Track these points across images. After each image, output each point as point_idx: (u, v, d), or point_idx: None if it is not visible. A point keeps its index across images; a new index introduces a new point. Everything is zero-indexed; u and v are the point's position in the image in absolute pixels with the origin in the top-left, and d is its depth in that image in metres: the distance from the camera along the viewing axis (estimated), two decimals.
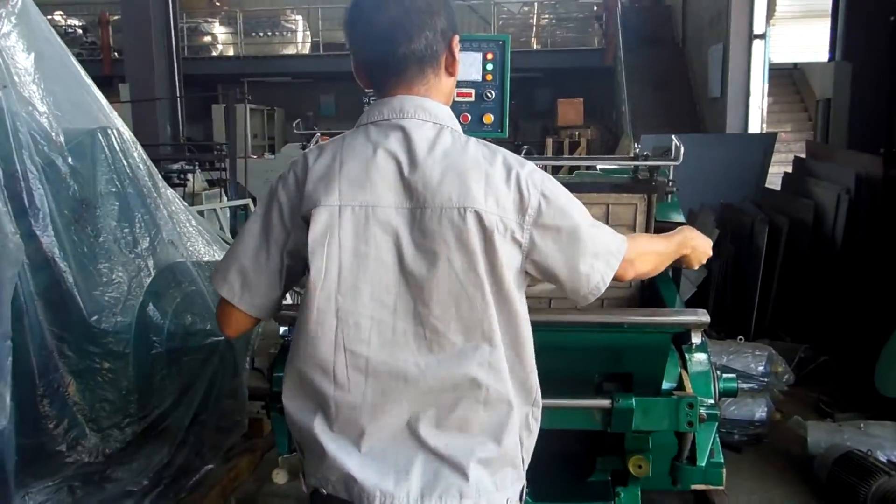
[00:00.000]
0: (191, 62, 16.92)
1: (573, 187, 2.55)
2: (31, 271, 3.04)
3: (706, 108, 12.34)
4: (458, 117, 2.31)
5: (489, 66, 2.40)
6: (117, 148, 3.62)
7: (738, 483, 3.50)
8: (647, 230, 2.72)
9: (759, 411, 3.91)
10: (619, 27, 14.12)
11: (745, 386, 4.04)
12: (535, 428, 1.57)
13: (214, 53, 17.64)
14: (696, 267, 1.88)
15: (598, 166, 2.93)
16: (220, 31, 17.85)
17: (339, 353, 1.44)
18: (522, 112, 17.77)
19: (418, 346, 1.43)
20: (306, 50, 18.03)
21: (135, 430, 3.33)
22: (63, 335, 3.14)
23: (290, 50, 17.67)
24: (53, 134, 3.30)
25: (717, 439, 2.76)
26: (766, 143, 6.95)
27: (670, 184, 2.66)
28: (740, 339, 4.42)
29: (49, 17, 18.54)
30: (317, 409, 1.47)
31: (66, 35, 18.27)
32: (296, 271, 1.54)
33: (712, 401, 2.15)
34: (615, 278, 1.57)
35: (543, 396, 1.53)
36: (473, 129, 2.44)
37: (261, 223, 1.52)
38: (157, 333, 3.41)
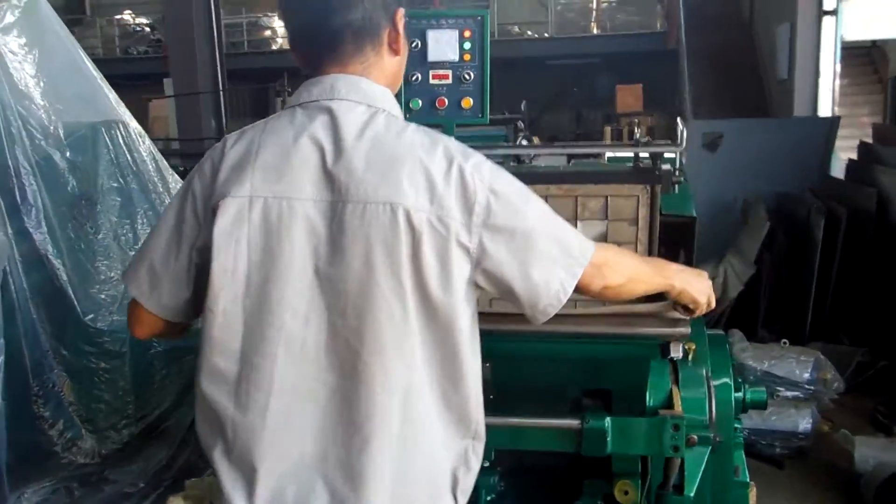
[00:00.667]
0: (251, 56, 17.17)
1: (568, 177, 2.37)
2: (24, 269, 3.00)
3: (774, 91, 11.70)
4: (434, 102, 2.18)
5: (467, 45, 2.18)
6: (121, 142, 3.55)
7: (776, 502, 3.20)
8: (651, 224, 2.44)
9: (804, 422, 3.57)
10: (682, 7, 13.52)
11: (788, 394, 3.71)
12: (476, 465, 1.36)
13: (274, 47, 17.79)
14: (693, 313, 1.66)
15: (608, 154, 2.67)
16: (279, 24, 17.99)
17: (243, 365, 1.27)
18: (584, 100, 17.33)
19: (330, 365, 1.24)
20: None
21: (132, 431, 3.27)
22: (58, 334, 3.09)
23: None
24: (52, 128, 3.25)
25: (743, 456, 2.49)
26: (827, 127, 6.43)
27: (677, 173, 2.38)
28: (784, 343, 4.06)
29: (119, 16, 19.19)
30: (217, 433, 1.29)
31: (135, 33, 18.81)
32: (206, 270, 1.35)
33: (706, 421, 1.88)
34: (580, 289, 1.36)
35: (517, 412, 1.31)
36: (451, 114, 2.23)
37: (174, 216, 1.35)
38: None
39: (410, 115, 2.23)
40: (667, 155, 2.43)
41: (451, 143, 1.30)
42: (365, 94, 1.29)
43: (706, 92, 12.32)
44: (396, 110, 1.33)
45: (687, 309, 1.66)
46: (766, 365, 3.79)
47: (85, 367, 3.12)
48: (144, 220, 3.47)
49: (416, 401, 1.24)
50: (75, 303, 3.10)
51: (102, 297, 3.20)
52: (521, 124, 4.58)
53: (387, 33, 1.34)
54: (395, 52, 1.37)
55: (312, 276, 1.23)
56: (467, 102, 2.21)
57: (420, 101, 2.21)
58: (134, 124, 3.78)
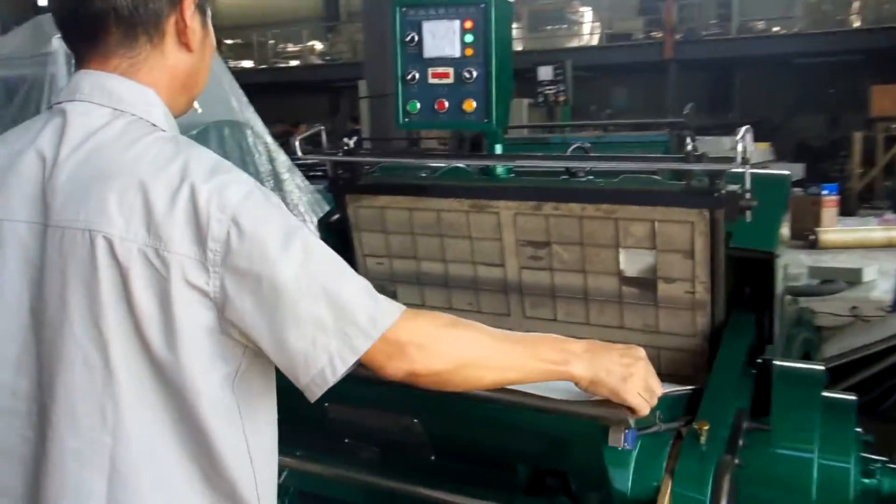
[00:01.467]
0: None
1: (607, 195, 1.94)
2: None
3: None
4: (433, 104, 1.89)
5: (468, 38, 1.86)
6: (234, 143, 3.63)
7: None
8: (713, 260, 1.93)
9: None
10: None
11: None
12: None
13: None
14: (635, 412, 1.23)
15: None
16: None
17: None
18: (840, 103, 15.38)
19: (30, 422, 1.04)
20: (594, 41, 17.49)
21: None
22: None
23: (574, 43, 17.26)
24: None
25: None
26: None
27: (748, 196, 1.85)
28: None
29: None
30: None
31: None
32: None
33: None
34: (375, 369, 1.05)
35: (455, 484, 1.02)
36: (453, 118, 1.93)
37: None
38: None
39: (409, 119, 1.96)
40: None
41: (202, 158, 1.03)
42: (111, 96, 1.07)
43: None
44: (156, 116, 1.09)
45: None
46: None
47: None
48: None
49: (138, 482, 1.00)
50: None
51: None
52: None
53: (171, 23, 1.11)
54: (188, 47, 1.13)
55: (28, 313, 1.03)
56: (469, 105, 1.89)
57: (418, 104, 1.94)
58: (259, 125, 3.85)
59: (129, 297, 0.97)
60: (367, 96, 7.74)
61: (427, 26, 1.88)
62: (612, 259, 2.02)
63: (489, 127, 1.92)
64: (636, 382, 1.20)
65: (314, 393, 1.02)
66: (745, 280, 2.08)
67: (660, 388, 1.24)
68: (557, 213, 2.02)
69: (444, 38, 1.87)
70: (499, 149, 2.27)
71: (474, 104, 1.89)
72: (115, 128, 1.05)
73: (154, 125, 1.08)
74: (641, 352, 1.25)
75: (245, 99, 3.82)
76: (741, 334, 1.93)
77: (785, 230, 2.55)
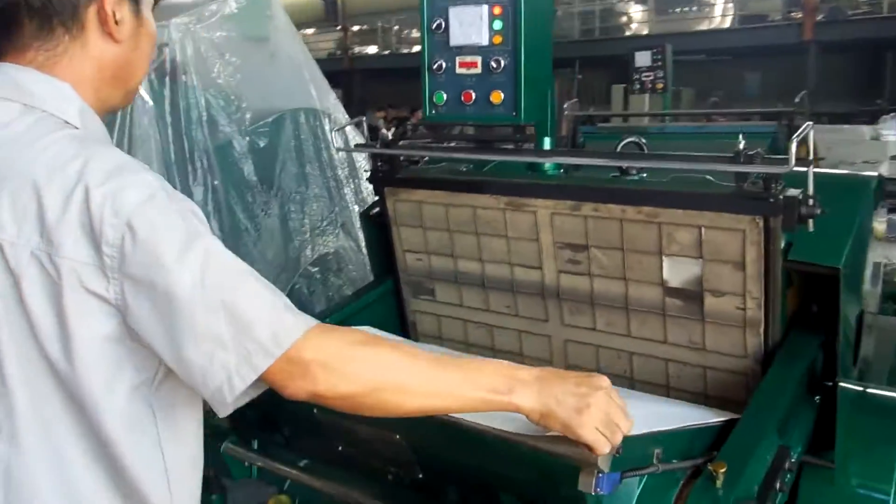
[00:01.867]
0: (606, 43, 16.83)
1: (648, 197, 1.75)
2: None
3: None
4: (459, 95, 1.78)
5: (497, 25, 1.73)
6: (309, 131, 3.63)
7: None
8: (767, 274, 1.70)
9: None
10: None
11: None
12: None
13: (628, 33, 17.27)
14: (591, 449, 1.06)
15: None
16: (635, 9, 17.41)
17: None
18: None
19: None
20: (726, 24, 16.55)
21: None
22: None
23: (704, 25, 16.39)
24: (238, 115, 3.42)
25: None
26: None
27: (811, 202, 1.61)
28: None
29: None
30: None
31: None
32: None
33: None
34: (277, 388, 0.97)
35: None
36: (480, 111, 1.80)
37: None
38: None
39: (436, 111, 1.85)
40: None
41: (103, 159, 0.97)
42: (22, 91, 1.02)
43: None
44: (70, 113, 1.03)
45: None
46: None
47: None
48: (315, 205, 3.51)
49: (36, 489, 0.96)
50: None
51: None
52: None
53: (92, 13, 1.05)
54: (114, 38, 1.07)
55: None
56: (496, 97, 1.76)
57: (444, 95, 1.83)
58: (341, 114, 3.84)
59: (24, 306, 0.93)
60: None
61: (454, 12, 1.75)
62: (654, 267, 1.83)
63: (516, 120, 1.77)
64: (594, 415, 1.04)
65: (219, 410, 0.95)
66: (813, 296, 1.85)
67: (627, 423, 1.07)
68: (596, 214, 1.86)
69: (471, 24, 1.74)
70: (547, 143, 2.12)
71: (502, 96, 1.75)
72: (21, 125, 1.01)
73: (66, 122, 1.02)
74: (604, 381, 1.09)
75: (326, 86, 3.81)
76: (797, 357, 1.70)
77: (880, 226, 2.25)
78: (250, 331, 0.93)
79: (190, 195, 3.23)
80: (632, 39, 16.97)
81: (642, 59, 5.42)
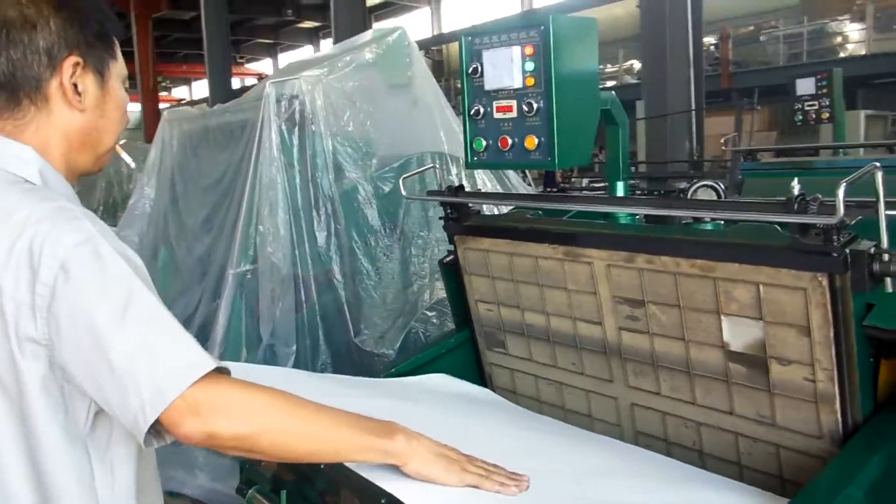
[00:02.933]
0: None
1: (701, 249, 1.56)
2: (317, 289, 3.37)
3: None
4: (496, 141, 1.72)
5: (529, 66, 1.63)
6: (434, 174, 3.67)
7: None
8: (837, 341, 1.43)
9: None
10: None
11: None
12: None
13: (843, 55, 15.82)
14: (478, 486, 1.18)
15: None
16: (852, 28, 15.91)
17: None
18: None
19: None
20: None
21: None
22: (334, 350, 3.39)
23: None
24: (363, 161, 3.55)
25: None
26: None
27: (887, 257, 1.32)
28: None
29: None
30: None
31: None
32: None
33: None
34: (172, 429, 0.99)
35: None
36: (517, 158, 1.72)
37: None
38: None
39: (476, 157, 1.79)
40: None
41: (46, 208, 1.03)
42: None
43: None
44: (28, 172, 1.10)
45: None
46: None
47: None
48: (437, 250, 3.52)
49: None
50: (349, 324, 3.35)
51: (376, 321, 3.38)
52: None
53: (55, 86, 1.12)
54: (77, 107, 1.14)
55: None
56: (531, 142, 1.66)
57: (483, 141, 1.75)
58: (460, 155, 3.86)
59: None
60: (641, 118, 7.35)
61: (487, 55, 1.69)
62: (714, 327, 1.62)
63: (551, 165, 1.66)
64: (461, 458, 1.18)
65: (143, 444, 1.00)
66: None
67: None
68: (651, 267, 1.68)
69: (503, 67, 1.66)
70: (620, 188, 1.98)
71: (536, 141, 1.65)
72: None
73: (26, 180, 1.10)
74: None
75: (456, 129, 3.84)
76: (878, 438, 1.40)
77: None
78: (155, 370, 0.97)
79: (314, 239, 3.39)
80: (845, 62, 15.57)
81: (804, 86, 4.88)
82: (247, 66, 33.04)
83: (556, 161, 1.64)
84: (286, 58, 32.50)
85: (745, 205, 1.45)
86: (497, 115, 1.71)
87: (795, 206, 1.36)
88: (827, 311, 1.41)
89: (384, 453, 1.13)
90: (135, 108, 27.13)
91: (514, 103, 1.68)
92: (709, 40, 19.12)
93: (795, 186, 1.37)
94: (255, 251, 3.33)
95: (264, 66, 34.04)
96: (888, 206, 1.34)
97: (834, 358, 1.43)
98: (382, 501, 1.24)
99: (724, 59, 16.62)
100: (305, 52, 30.84)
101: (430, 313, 3.44)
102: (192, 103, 30.85)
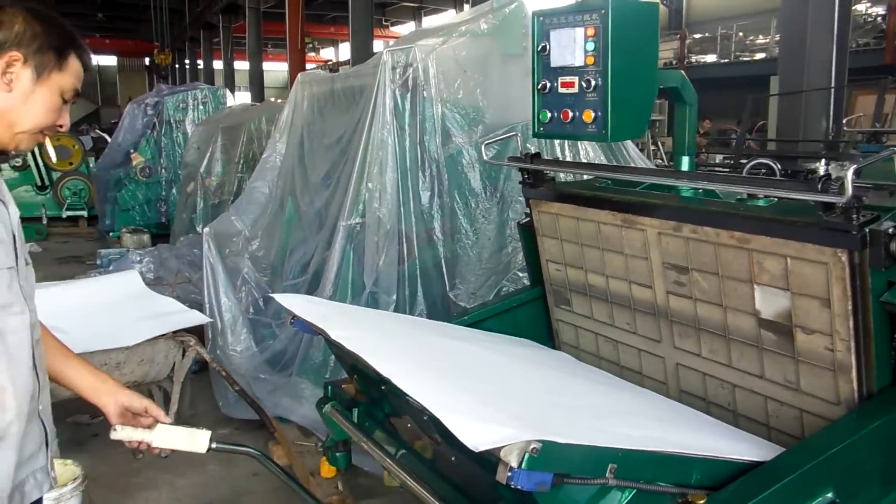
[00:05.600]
0: None
1: (738, 222, 1.68)
2: (419, 246, 3.65)
3: None
4: (560, 114, 1.90)
5: (590, 46, 1.79)
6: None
7: None
8: (856, 314, 1.51)
9: None
10: None
11: None
12: None
13: None
14: None
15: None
16: None
17: None
18: None
19: None
20: None
21: None
22: (431, 301, 3.66)
23: None
24: (469, 127, 3.77)
25: None
26: None
27: None
28: None
29: (855, 6, 18.34)
30: None
31: (865, 24, 17.56)
32: None
33: None
34: None
35: None
36: (576, 129, 1.88)
37: None
38: None
39: (542, 127, 1.97)
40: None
41: None
42: None
43: None
44: None
45: None
46: None
47: None
48: None
49: None
50: (445, 279, 3.60)
51: (471, 278, 3.61)
52: None
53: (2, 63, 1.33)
54: (2, 87, 1.34)
55: None
56: (588, 115, 1.83)
57: (549, 114, 1.93)
58: None
59: None
60: (774, 94, 7.05)
61: (554, 35, 1.85)
62: (748, 295, 1.73)
63: (604, 138, 1.81)
64: None
65: None
66: None
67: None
68: (695, 236, 1.81)
69: (567, 46, 1.82)
70: (685, 163, 2.10)
71: (593, 115, 1.81)
72: None
73: None
74: None
75: None
76: (886, 405, 1.49)
77: None
78: None
79: (419, 198, 3.65)
80: None
81: None
82: (391, 28, 33.75)
83: (609, 134, 1.79)
84: (429, 21, 32.95)
85: (774, 182, 1.55)
86: (561, 90, 1.88)
87: (820, 185, 1.45)
88: (846, 285, 1.51)
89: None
90: (281, 68, 28.57)
91: (576, 79, 1.84)
92: (876, 10, 17.78)
93: (821, 167, 1.47)
94: (364, 206, 3.63)
95: (408, 29, 34.66)
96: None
97: (852, 330, 1.53)
98: (424, 418, 1.48)
99: (891, 32, 15.39)
100: (448, 15, 31.14)
101: (521, 273, 3.62)
102: (336, 66, 31.98)
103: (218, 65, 27.18)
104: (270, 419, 3.46)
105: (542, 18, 1.89)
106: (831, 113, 6.99)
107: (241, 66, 26.58)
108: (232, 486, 3.70)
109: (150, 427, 1.58)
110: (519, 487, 1.18)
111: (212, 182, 7.07)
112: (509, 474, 1.18)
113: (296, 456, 3.63)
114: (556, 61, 1.86)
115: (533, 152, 2.30)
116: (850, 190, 1.35)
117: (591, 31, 1.77)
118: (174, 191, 8.99)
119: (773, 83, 7.80)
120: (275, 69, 32.07)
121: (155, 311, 3.88)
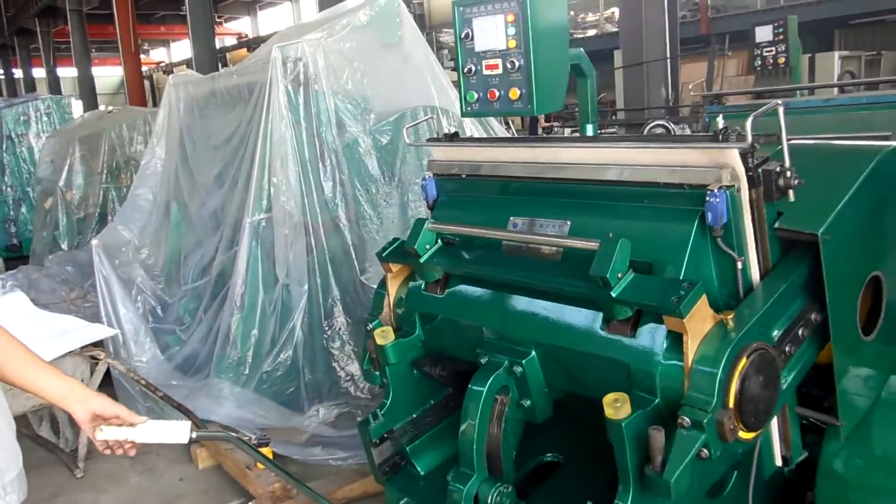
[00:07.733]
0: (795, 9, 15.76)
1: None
2: (326, 235, 3.74)
3: None
4: (485, 93, 2.07)
5: (511, 31, 1.99)
6: (427, 126, 4.01)
7: None
8: (759, 242, 1.83)
9: None
10: None
11: None
12: None
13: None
14: None
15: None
16: None
17: None
18: None
19: None
20: None
21: None
22: (343, 287, 3.77)
23: None
24: (362, 116, 3.89)
25: None
26: None
27: (789, 174, 1.71)
28: None
29: None
30: None
31: None
32: None
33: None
34: None
35: None
36: (503, 107, 2.08)
37: None
38: None
39: (469, 107, 2.15)
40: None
41: None
42: None
43: None
44: None
45: None
46: None
47: (359, 317, 3.73)
48: None
49: None
50: (355, 264, 3.73)
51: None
52: None
53: None
54: None
55: None
56: (514, 93, 2.03)
57: (475, 94, 2.12)
58: (455, 109, 4.18)
59: None
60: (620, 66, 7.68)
61: (477, 22, 2.04)
62: None
63: (531, 112, 2.03)
64: None
65: None
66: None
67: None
68: None
69: (489, 32, 2.02)
70: (590, 129, 2.35)
71: (518, 92, 2.01)
72: None
73: None
74: None
75: (446, 84, 4.16)
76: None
77: None
78: None
79: (321, 188, 3.75)
80: (812, 6, 15.80)
81: (763, 33, 5.22)
82: (225, 24, 32.73)
83: (535, 108, 2.01)
84: (265, 16, 32.24)
85: (680, 137, 1.83)
86: (486, 72, 2.08)
87: (721, 136, 1.74)
88: (749, 217, 1.81)
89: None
90: (115, 73, 27.06)
91: (499, 62, 2.04)
92: None
93: (720, 122, 1.75)
94: (269, 201, 3.68)
95: (243, 24, 33.75)
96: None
97: (757, 255, 1.84)
98: None
99: (703, 5, 16.77)
100: (285, 9, 30.61)
101: None
102: (170, 67, 30.65)
103: (39, 73, 25.39)
104: (198, 420, 3.46)
105: (462, 8, 2.08)
106: (669, 81, 7.65)
107: (65, 72, 24.97)
108: (160, 495, 3.67)
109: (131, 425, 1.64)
110: None
111: (74, 195, 6.75)
112: None
113: (225, 454, 3.65)
114: (479, 46, 2.05)
115: (452, 132, 2.48)
116: (750, 137, 1.64)
117: (510, 17, 1.97)
118: (23, 209, 8.46)
119: (616, 57, 8.43)
120: (104, 74, 30.26)
121: (55, 329, 3.75)
